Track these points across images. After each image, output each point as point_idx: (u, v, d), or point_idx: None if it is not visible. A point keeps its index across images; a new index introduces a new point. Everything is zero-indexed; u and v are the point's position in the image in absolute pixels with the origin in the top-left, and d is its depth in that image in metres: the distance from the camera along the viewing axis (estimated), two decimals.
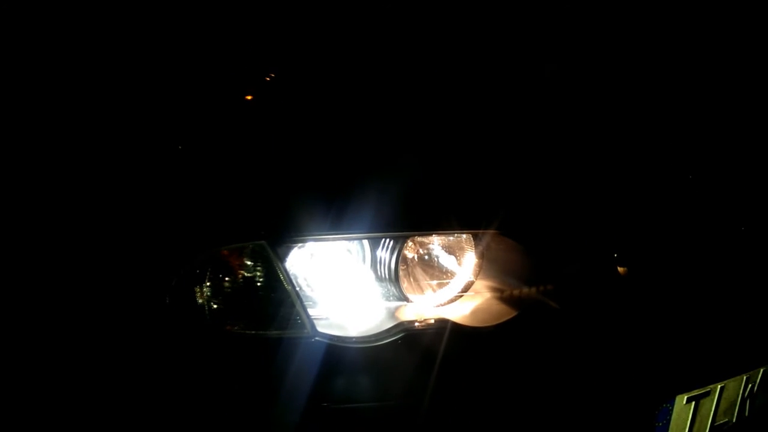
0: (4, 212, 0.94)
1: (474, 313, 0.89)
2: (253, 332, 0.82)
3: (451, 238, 0.89)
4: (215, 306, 0.82)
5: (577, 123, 1.05)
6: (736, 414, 0.97)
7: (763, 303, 0.98)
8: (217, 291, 0.82)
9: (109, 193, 0.91)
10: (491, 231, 0.88)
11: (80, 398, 0.88)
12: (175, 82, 1.06)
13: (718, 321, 0.93)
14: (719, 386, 0.92)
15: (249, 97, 1.06)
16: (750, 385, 0.97)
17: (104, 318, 0.88)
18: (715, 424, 0.94)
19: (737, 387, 0.95)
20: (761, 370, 0.97)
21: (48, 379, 0.90)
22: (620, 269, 0.89)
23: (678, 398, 0.88)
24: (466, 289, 0.90)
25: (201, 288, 0.82)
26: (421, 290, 0.89)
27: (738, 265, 0.98)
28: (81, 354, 0.89)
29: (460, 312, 0.89)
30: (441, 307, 0.89)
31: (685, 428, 0.91)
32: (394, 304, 0.88)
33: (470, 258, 0.89)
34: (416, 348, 0.82)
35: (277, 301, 0.81)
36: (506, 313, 0.86)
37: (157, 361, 0.84)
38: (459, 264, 0.90)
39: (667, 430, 0.89)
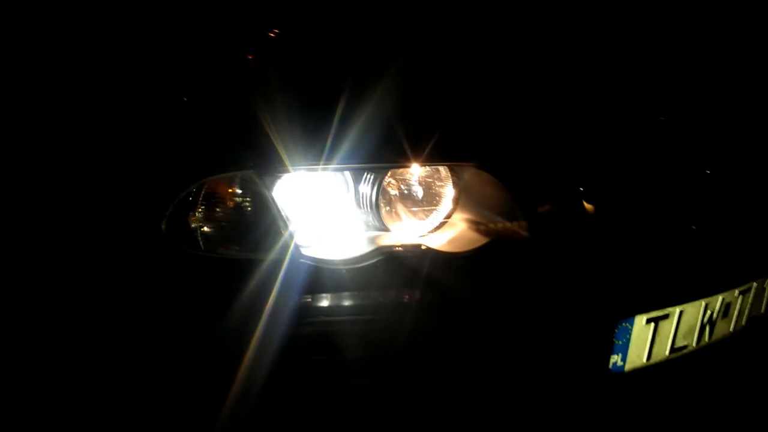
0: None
1: (450, 241, 0.95)
2: (242, 255, 0.89)
3: (430, 170, 0.95)
4: (208, 231, 0.89)
5: (555, 63, 1.09)
6: (695, 339, 1.04)
7: (721, 236, 1.05)
8: (209, 217, 0.89)
9: (110, 129, 0.97)
10: (469, 164, 0.94)
11: (83, 318, 0.96)
12: (174, 28, 1.11)
13: (676, 250, 1.00)
14: (678, 310, 0.99)
15: (241, 42, 1.11)
16: (709, 312, 1.04)
17: (105, 244, 0.95)
18: (675, 346, 1.01)
19: (696, 312, 1.01)
20: (720, 296, 1.04)
21: (52, 299, 0.98)
22: (586, 204, 0.95)
23: (637, 318, 0.95)
24: (444, 220, 0.97)
25: (194, 215, 0.89)
26: (401, 220, 0.96)
27: (700, 203, 1.03)
28: (84, 278, 0.96)
29: (437, 241, 0.95)
30: (420, 237, 0.96)
31: (645, 347, 0.98)
32: (375, 233, 0.94)
33: (448, 190, 0.95)
34: (393, 271, 0.89)
35: (264, 226, 0.88)
36: (478, 241, 0.93)
37: (154, 283, 0.92)
38: (438, 196, 0.96)
39: (628, 347, 0.96)
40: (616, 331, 0.94)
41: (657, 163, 1.03)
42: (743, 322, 1.12)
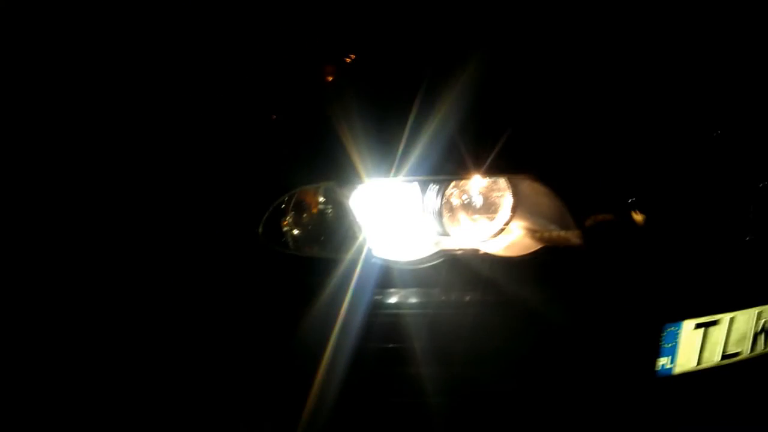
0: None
1: (506, 247, 1.06)
2: (324, 255, 1.04)
3: (489, 181, 1.06)
4: (296, 234, 1.05)
5: (604, 80, 1.17)
6: (749, 346, 1.08)
7: None
8: (297, 222, 1.06)
9: (220, 146, 1.16)
10: (526, 176, 1.05)
11: (195, 303, 1.15)
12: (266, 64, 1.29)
13: (727, 259, 1.04)
14: (728, 317, 1.03)
15: (326, 76, 1.28)
16: (762, 320, 1.07)
17: (212, 245, 1.15)
18: (727, 352, 1.06)
19: (748, 320, 1.05)
20: None
21: (166, 291, 1.18)
22: (636, 215, 1.02)
23: (685, 323, 1.01)
24: (502, 227, 1.07)
25: (286, 220, 1.05)
26: (462, 227, 1.07)
27: (754, 215, 1.07)
28: (198, 273, 1.16)
29: (495, 246, 1.06)
30: (480, 242, 1.07)
31: (695, 352, 1.03)
32: (439, 238, 1.07)
33: (507, 200, 1.06)
34: (453, 272, 1.01)
35: (343, 230, 1.03)
36: (533, 247, 1.03)
37: (252, 277, 1.09)
38: (496, 205, 1.07)
39: (676, 350, 1.02)
40: (663, 334, 1.00)
41: (710, 177, 1.08)
42: None
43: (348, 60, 1.30)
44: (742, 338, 1.07)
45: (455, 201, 1.07)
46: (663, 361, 1.02)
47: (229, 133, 1.18)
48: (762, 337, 1.08)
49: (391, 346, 1.02)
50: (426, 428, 1.08)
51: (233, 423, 1.21)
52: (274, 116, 1.19)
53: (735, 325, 1.04)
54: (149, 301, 1.25)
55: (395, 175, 1.03)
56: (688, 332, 1.01)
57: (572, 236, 1.03)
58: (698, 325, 1.02)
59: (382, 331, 1.02)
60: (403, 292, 1.01)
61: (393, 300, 1.01)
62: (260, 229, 1.07)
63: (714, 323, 1.03)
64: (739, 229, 1.08)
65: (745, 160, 1.09)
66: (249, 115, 1.19)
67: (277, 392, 1.11)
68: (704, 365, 1.05)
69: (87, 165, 1.35)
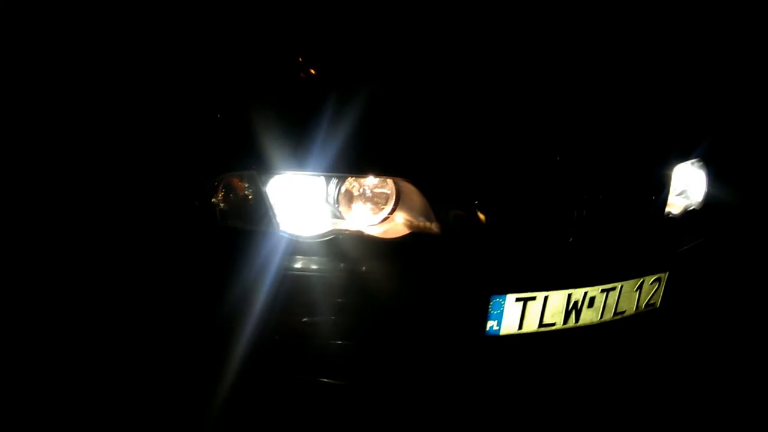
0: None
1: (384, 231, 1.39)
2: (243, 227, 1.36)
3: (379, 180, 1.38)
4: (223, 209, 1.37)
5: (466, 110, 1.50)
6: (562, 319, 1.43)
7: (592, 245, 1.43)
8: (225, 200, 1.37)
9: (172, 135, 1.46)
10: (405, 179, 1.37)
11: (135, 261, 1.46)
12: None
13: (550, 253, 1.39)
14: (543, 295, 1.38)
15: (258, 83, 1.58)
16: (574, 300, 1.42)
17: (160, 215, 1.45)
18: (543, 322, 1.41)
19: (560, 298, 1.40)
20: (582, 290, 1.42)
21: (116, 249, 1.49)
22: (480, 213, 1.36)
23: (508, 296, 1.35)
24: (386, 216, 1.40)
25: (216, 197, 1.37)
26: (353, 213, 1.39)
27: (575, 222, 1.42)
28: (147, 237, 1.47)
29: (377, 229, 1.39)
30: (368, 226, 1.39)
31: (516, 319, 1.38)
32: (335, 220, 1.39)
33: (390, 195, 1.38)
34: (341, 246, 1.34)
35: (260, 209, 1.34)
36: (402, 232, 1.36)
37: (189, 238, 1.40)
38: (383, 198, 1.39)
39: (502, 317, 1.36)
40: (491, 303, 1.34)
41: (544, 188, 1.42)
42: (611, 316, 1.49)
43: (273, 70, 1.60)
44: (557, 312, 1.42)
45: (350, 193, 1.40)
46: (491, 324, 1.37)
47: (180, 125, 1.49)
48: (573, 313, 1.44)
49: (291, 298, 1.35)
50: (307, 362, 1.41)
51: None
52: (218, 115, 1.49)
53: (549, 302, 1.39)
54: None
55: (305, 169, 1.34)
56: (511, 303, 1.36)
57: (433, 226, 1.36)
58: (518, 299, 1.36)
59: (284, 288, 1.34)
60: (302, 258, 1.34)
61: (294, 264, 1.34)
62: (196, 203, 1.38)
63: (532, 299, 1.38)
64: (565, 231, 1.43)
65: (575, 176, 1.44)
66: (198, 112, 1.49)
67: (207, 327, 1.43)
68: (525, 330, 1.40)
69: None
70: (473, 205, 1.36)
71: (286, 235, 1.33)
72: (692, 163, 1.70)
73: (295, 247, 1.34)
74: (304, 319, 1.35)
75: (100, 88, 1.72)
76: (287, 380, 1.48)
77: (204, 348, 1.48)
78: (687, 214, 1.72)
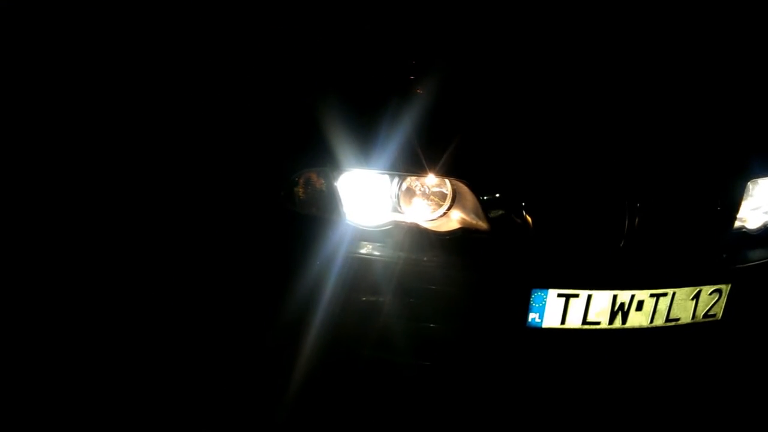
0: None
1: (438, 225, 1.54)
2: (318, 214, 1.59)
3: (438, 180, 1.54)
4: (302, 198, 1.61)
5: (521, 120, 1.61)
6: (607, 320, 1.48)
7: (642, 251, 1.47)
8: (304, 192, 1.61)
9: (263, 138, 1.74)
10: (462, 180, 1.52)
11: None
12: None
13: (598, 255, 1.46)
14: (587, 293, 1.45)
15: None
16: (620, 302, 1.47)
17: (251, 205, 1.73)
18: (587, 320, 1.47)
19: (605, 299, 1.46)
20: (629, 292, 1.46)
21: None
22: (526, 214, 1.47)
23: (550, 291, 1.44)
24: (443, 213, 1.55)
25: (297, 189, 1.61)
26: (412, 208, 1.56)
27: (627, 228, 1.47)
28: (242, 222, 1.76)
29: (433, 224, 1.54)
30: (425, 221, 1.56)
31: (558, 314, 1.46)
32: (394, 213, 1.57)
33: (448, 194, 1.54)
34: (400, 236, 1.51)
35: (330, 201, 1.56)
36: (454, 227, 1.51)
37: (276, 224, 1.66)
38: (441, 197, 1.55)
39: (544, 310, 1.45)
40: (532, 296, 1.44)
41: (595, 194, 1.49)
42: (663, 322, 1.51)
43: (345, 82, 1.82)
44: (602, 312, 1.47)
45: (411, 190, 1.57)
46: (533, 316, 1.46)
47: (273, 128, 1.76)
48: (619, 314, 1.48)
49: (353, 278, 1.54)
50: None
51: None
52: (301, 120, 1.74)
53: (593, 301, 1.46)
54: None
55: (371, 168, 1.54)
56: (553, 299, 1.45)
57: (482, 223, 1.49)
58: (560, 295, 1.45)
59: (347, 269, 1.54)
60: (364, 244, 1.53)
61: (358, 249, 1.54)
62: (282, 193, 1.63)
63: (575, 296, 1.45)
64: (615, 237, 1.49)
65: (627, 184, 1.49)
66: (286, 117, 1.76)
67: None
68: (567, 326, 1.47)
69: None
70: (520, 207, 1.48)
71: (351, 224, 1.54)
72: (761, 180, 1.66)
73: (359, 235, 1.54)
74: (364, 298, 1.55)
75: (209, 94, 2.06)
76: (352, 356, 1.68)
77: (283, 319, 1.73)
78: (762, 229, 1.67)
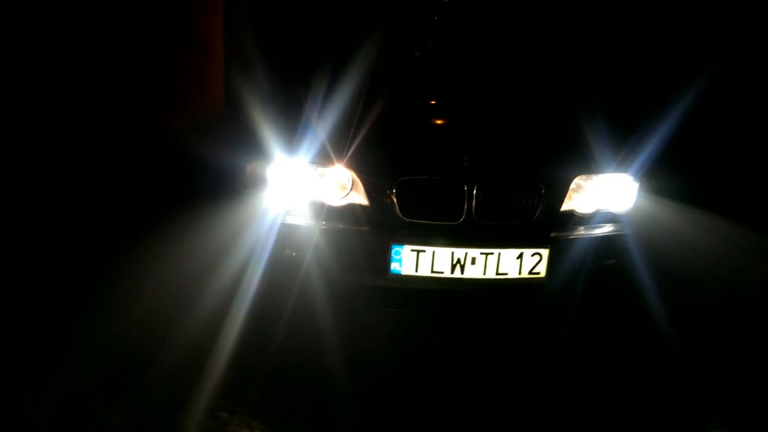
0: None
1: (339, 201, 2.22)
2: (258, 194, 2.31)
3: (343, 170, 2.22)
4: (254, 182, 2.34)
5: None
6: (449, 270, 2.09)
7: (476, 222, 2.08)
8: (251, 178, 2.34)
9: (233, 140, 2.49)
10: (360, 170, 2.20)
11: None
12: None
13: (443, 222, 2.09)
14: (432, 249, 2.07)
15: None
16: (458, 257, 2.07)
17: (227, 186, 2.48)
18: (434, 269, 2.09)
19: (446, 254, 2.07)
20: (464, 250, 2.06)
21: None
22: (391, 193, 2.12)
23: (406, 246, 2.07)
24: (347, 194, 2.23)
25: (246, 175, 2.34)
26: (322, 190, 2.25)
27: (465, 207, 2.09)
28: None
29: (335, 201, 2.22)
30: (336, 200, 2.24)
31: (413, 264, 2.09)
32: (313, 194, 2.26)
33: (349, 181, 2.22)
34: (312, 209, 2.21)
35: (266, 184, 2.28)
36: (348, 201, 2.18)
37: (236, 201, 2.40)
38: (341, 183, 2.23)
39: (401, 262, 2.08)
40: (392, 250, 2.08)
41: (440, 182, 2.12)
42: (494, 275, 2.10)
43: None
44: (445, 264, 2.08)
45: (323, 177, 2.26)
46: (394, 265, 2.09)
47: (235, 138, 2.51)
48: (458, 266, 2.09)
49: (282, 238, 2.24)
50: None
51: None
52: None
53: (437, 255, 2.07)
54: None
55: (296, 158, 2.25)
56: (408, 252, 2.08)
57: (365, 201, 2.15)
58: (413, 250, 2.07)
59: (278, 231, 2.24)
60: (291, 215, 2.23)
61: (286, 219, 2.24)
62: (242, 179, 2.37)
63: (423, 251, 2.07)
64: (459, 211, 2.10)
65: (468, 177, 2.10)
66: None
67: None
68: (420, 274, 2.09)
69: None
70: (390, 191, 2.13)
71: (280, 201, 2.26)
72: (589, 177, 2.21)
73: (288, 210, 2.24)
74: (287, 252, 2.24)
75: None
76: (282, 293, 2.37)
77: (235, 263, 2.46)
78: (589, 213, 2.22)
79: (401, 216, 2.12)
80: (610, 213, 2.27)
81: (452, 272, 2.11)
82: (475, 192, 2.11)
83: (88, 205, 3.15)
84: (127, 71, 4.00)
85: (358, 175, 2.17)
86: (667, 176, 2.62)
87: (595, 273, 2.23)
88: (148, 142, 3.71)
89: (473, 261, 2.10)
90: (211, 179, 2.77)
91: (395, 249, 2.10)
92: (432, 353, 2.23)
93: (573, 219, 2.21)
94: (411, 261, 2.10)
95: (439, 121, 2.30)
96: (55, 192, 3.16)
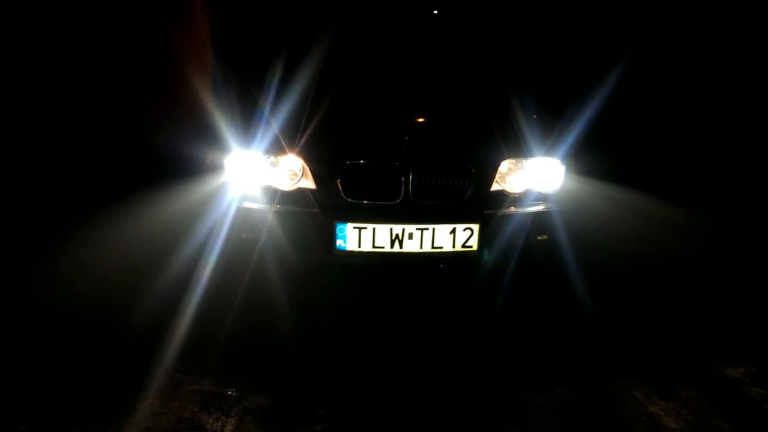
0: None
1: (292, 185, 2.42)
2: (218, 180, 2.51)
3: (296, 158, 2.42)
4: (213, 166, 2.54)
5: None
6: (389, 245, 2.29)
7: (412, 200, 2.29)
8: (212, 163, 2.54)
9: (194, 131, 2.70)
10: (307, 157, 2.40)
11: None
12: None
13: (382, 201, 2.29)
14: (372, 226, 2.27)
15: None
16: (396, 233, 2.28)
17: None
18: (375, 245, 2.29)
19: (386, 230, 2.28)
20: (401, 225, 2.27)
21: None
22: (337, 181, 2.32)
23: (348, 224, 2.28)
24: (298, 180, 2.43)
25: (208, 163, 2.54)
26: (274, 177, 2.45)
27: (402, 189, 2.30)
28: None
29: (285, 187, 2.42)
30: (281, 185, 2.44)
31: (355, 240, 2.29)
32: (266, 181, 2.46)
33: (300, 168, 2.42)
34: (266, 194, 2.41)
35: (224, 172, 2.48)
36: (297, 185, 2.38)
37: (203, 186, 2.60)
38: (294, 170, 2.43)
39: (345, 238, 2.29)
40: (336, 227, 2.28)
41: (380, 167, 2.33)
42: (430, 249, 2.30)
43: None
44: (384, 239, 2.29)
45: (276, 165, 2.46)
46: (339, 242, 2.30)
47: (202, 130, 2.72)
48: (396, 241, 2.29)
49: (239, 221, 2.44)
50: None
51: None
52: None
53: (377, 232, 2.28)
54: None
55: (251, 149, 2.45)
56: (350, 229, 2.28)
57: (313, 185, 2.36)
58: (355, 227, 2.28)
59: (236, 215, 2.44)
60: (247, 200, 2.43)
61: (243, 204, 2.43)
62: (202, 168, 2.57)
63: (364, 228, 2.28)
64: (397, 193, 2.31)
65: (404, 162, 2.32)
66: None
67: None
68: (363, 249, 2.30)
69: None
70: (334, 176, 2.34)
71: (239, 186, 2.46)
72: (519, 161, 2.44)
73: (245, 195, 2.44)
74: (244, 235, 2.44)
75: None
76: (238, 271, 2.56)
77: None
78: (520, 192, 2.44)
79: (345, 197, 2.33)
80: (539, 193, 2.50)
81: (392, 247, 2.32)
82: (411, 175, 2.32)
83: (51, 189, 3.34)
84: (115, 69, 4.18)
85: (306, 163, 2.38)
86: (591, 159, 2.85)
87: (526, 247, 2.45)
88: (122, 139, 3.90)
89: (410, 236, 2.31)
90: (175, 169, 2.98)
91: (339, 227, 2.30)
92: (372, 324, 2.42)
93: (503, 198, 2.43)
94: (354, 237, 2.31)
95: (379, 111, 2.53)
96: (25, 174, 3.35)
